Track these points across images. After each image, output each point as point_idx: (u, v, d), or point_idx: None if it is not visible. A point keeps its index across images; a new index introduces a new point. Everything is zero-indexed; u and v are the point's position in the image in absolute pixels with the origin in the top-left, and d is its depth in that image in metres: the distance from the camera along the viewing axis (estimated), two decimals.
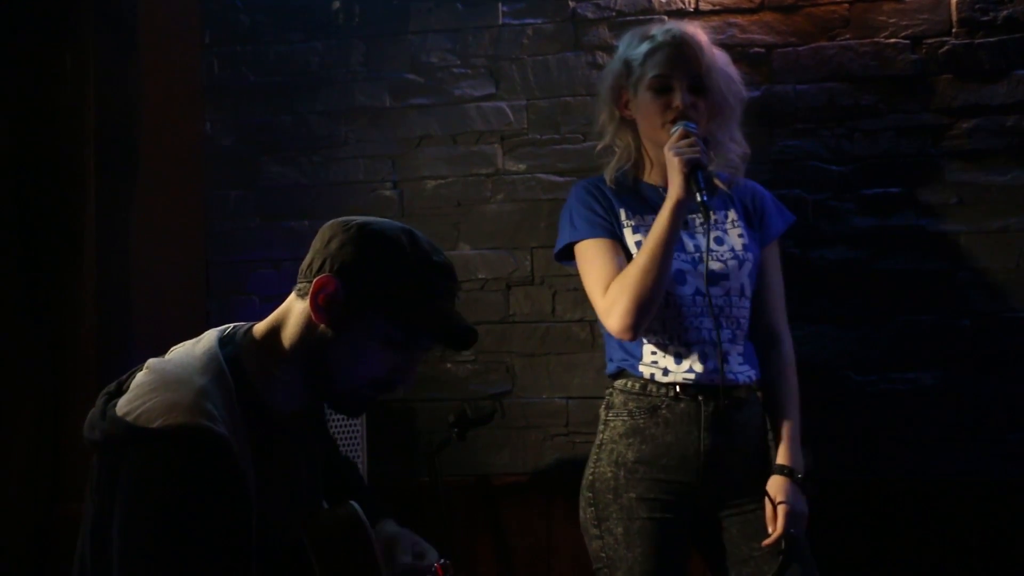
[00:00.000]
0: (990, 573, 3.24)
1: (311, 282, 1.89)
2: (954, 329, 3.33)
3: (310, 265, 1.93)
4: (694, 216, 2.82)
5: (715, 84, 2.79)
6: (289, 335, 1.93)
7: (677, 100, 2.77)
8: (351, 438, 3.39)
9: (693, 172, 2.65)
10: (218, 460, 1.73)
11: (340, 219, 1.98)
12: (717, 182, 2.89)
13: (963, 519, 3.26)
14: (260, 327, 1.97)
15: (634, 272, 2.68)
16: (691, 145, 2.68)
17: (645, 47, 2.83)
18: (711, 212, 2.83)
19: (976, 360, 3.32)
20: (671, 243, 2.67)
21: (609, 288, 2.74)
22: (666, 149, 2.72)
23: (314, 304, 1.88)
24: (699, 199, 2.64)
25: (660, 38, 2.82)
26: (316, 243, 1.96)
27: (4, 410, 3.40)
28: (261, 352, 1.94)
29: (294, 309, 1.94)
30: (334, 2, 3.80)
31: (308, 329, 1.91)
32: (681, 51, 2.79)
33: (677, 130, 2.72)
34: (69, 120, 3.50)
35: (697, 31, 2.85)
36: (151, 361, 1.90)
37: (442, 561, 2.11)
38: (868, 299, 3.39)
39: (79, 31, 3.52)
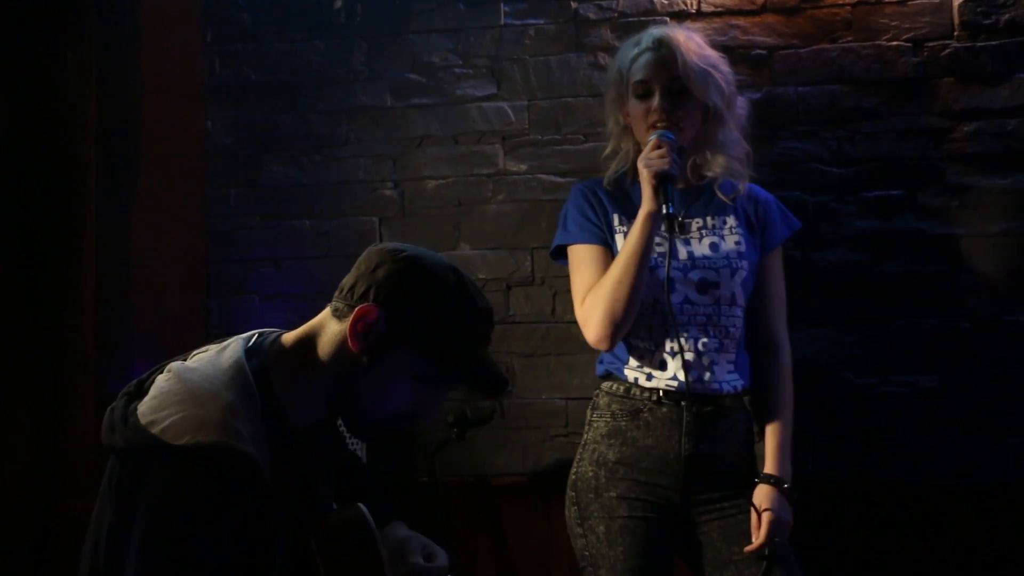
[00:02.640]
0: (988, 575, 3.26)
1: (352, 306, 1.87)
2: (954, 332, 3.33)
3: (352, 288, 1.90)
4: (690, 221, 2.83)
5: (695, 84, 2.76)
6: (321, 353, 1.91)
7: (654, 104, 2.77)
8: (351, 438, 3.38)
9: (661, 183, 2.66)
10: (245, 481, 1.71)
11: (390, 246, 1.95)
12: (719, 194, 2.88)
13: (963, 522, 3.27)
14: (289, 338, 1.95)
15: (608, 284, 2.70)
16: (661, 156, 2.67)
17: (632, 53, 2.84)
18: (708, 217, 2.84)
19: (976, 363, 3.32)
20: (644, 254, 2.68)
21: (586, 298, 2.76)
22: (638, 160, 2.73)
23: (353, 331, 1.86)
24: (664, 211, 2.65)
25: (644, 43, 2.83)
26: (361, 266, 1.93)
27: (4, 409, 3.39)
28: (289, 365, 1.91)
29: (328, 328, 1.92)
30: (336, 1, 3.80)
31: (341, 352, 1.89)
32: (660, 54, 2.79)
33: (651, 140, 2.73)
34: (70, 118, 3.50)
35: (678, 32, 2.83)
36: (174, 365, 1.87)
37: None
38: (868, 302, 3.39)
39: (80, 29, 3.51)
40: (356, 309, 1.86)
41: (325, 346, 1.91)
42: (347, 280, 1.93)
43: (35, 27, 3.51)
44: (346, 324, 1.87)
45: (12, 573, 3.37)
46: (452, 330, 1.89)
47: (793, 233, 2.98)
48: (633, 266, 2.67)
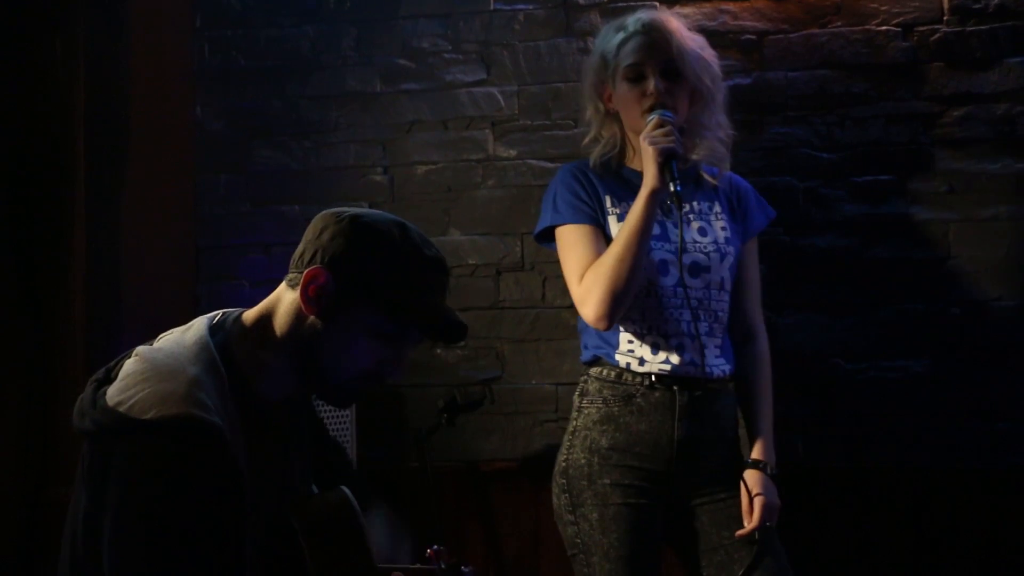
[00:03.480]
0: (978, 561, 3.25)
1: (302, 273, 1.88)
2: (944, 317, 3.33)
3: (301, 255, 1.92)
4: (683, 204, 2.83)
5: (689, 68, 2.77)
6: (279, 325, 1.92)
7: (651, 87, 2.76)
8: (340, 423, 3.39)
9: (667, 161, 2.64)
10: (213, 450, 1.73)
11: (333, 210, 1.97)
12: (705, 176, 2.88)
13: (951, 507, 3.27)
14: (250, 315, 1.96)
15: (609, 261, 2.68)
16: (666, 134, 2.66)
17: (618, 38, 2.83)
18: (696, 202, 2.84)
19: (965, 348, 3.32)
20: (646, 232, 2.67)
21: (584, 276, 2.75)
22: (641, 138, 2.71)
23: (304, 295, 1.87)
24: (672, 188, 2.64)
25: (631, 27, 2.81)
26: (308, 233, 1.95)
27: None
28: (251, 340, 1.93)
29: (284, 299, 1.93)
30: None
31: (298, 320, 1.90)
32: (651, 38, 2.78)
33: (652, 119, 2.71)
34: (59, 105, 3.50)
35: (668, 17, 2.84)
36: (140, 348, 1.89)
37: (435, 547, 2.11)
38: (858, 287, 3.39)
39: (69, 15, 3.51)
40: (304, 274, 1.88)
41: (283, 316, 1.92)
42: (298, 249, 1.95)
43: (23, 14, 3.50)
44: (299, 291, 1.89)
45: (2, 558, 3.37)
46: (401, 282, 1.89)
47: (769, 222, 2.98)
48: (635, 244, 2.66)
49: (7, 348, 3.42)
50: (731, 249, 2.81)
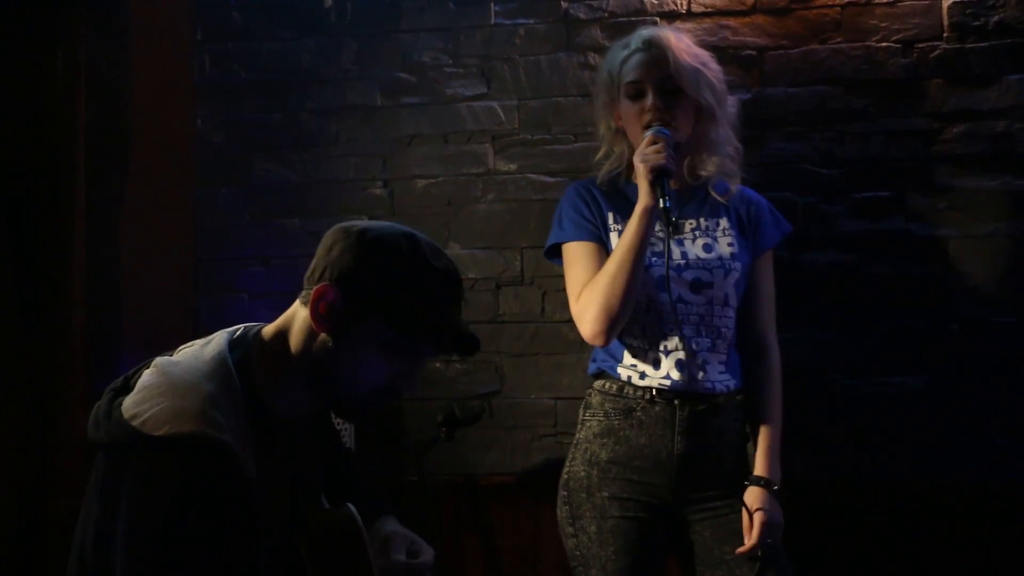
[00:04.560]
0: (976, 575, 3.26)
1: (312, 290, 1.89)
2: (943, 334, 3.34)
3: (312, 272, 1.92)
4: (683, 222, 2.83)
5: (688, 83, 2.77)
6: (293, 342, 1.92)
7: (648, 103, 2.77)
8: (341, 424, 3.38)
9: (658, 178, 2.66)
10: (224, 470, 1.73)
11: (344, 224, 1.96)
12: (713, 193, 2.89)
13: (949, 523, 3.27)
14: (268, 331, 1.97)
15: (604, 279, 2.70)
16: (657, 151, 2.68)
17: (622, 55, 2.85)
18: (702, 218, 2.84)
19: (964, 365, 3.32)
20: (640, 250, 2.68)
21: (581, 294, 2.76)
22: (635, 156, 2.73)
23: (314, 313, 1.88)
24: (661, 205, 2.65)
25: (633, 45, 2.84)
26: (320, 249, 1.95)
27: None
28: (268, 357, 1.93)
29: (298, 316, 1.94)
30: (326, 0, 3.79)
31: (310, 337, 1.90)
32: (650, 54, 2.80)
33: (647, 136, 2.73)
34: (60, 117, 3.50)
35: (668, 33, 2.84)
36: (159, 360, 1.89)
37: None
38: (857, 303, 3.39)
39: (70, 28, 3.52)
40: (313, 291, 1.88)
41: (296, 333, 1.93)
42: (310, 266, 1.95)
43: (25, 26, 3.51)
44: (309, 309, 1.89)
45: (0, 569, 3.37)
46: (410, 295, 1.89)
47: (784, 237, 2.98)
48: (629, 261, 2.67)
49: (6, 360, 3.42)
50: (737, 265, 2.81)
